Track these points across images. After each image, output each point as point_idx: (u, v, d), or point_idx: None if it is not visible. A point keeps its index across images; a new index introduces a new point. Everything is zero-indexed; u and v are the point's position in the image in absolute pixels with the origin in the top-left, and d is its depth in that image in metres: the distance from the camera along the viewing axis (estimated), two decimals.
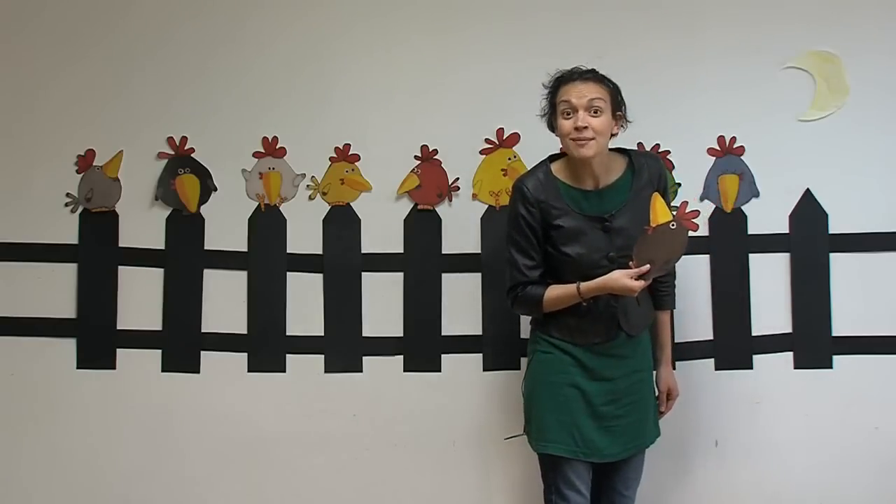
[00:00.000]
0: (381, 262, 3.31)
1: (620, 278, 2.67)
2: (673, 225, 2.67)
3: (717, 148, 3.19)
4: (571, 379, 2.80)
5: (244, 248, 3.35)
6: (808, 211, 3.17)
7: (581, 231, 2.75)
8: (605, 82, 2.76)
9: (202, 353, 3.35)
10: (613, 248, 2.75)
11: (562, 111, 2.74)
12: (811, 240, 3.17)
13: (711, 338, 3.21)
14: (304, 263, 3.33)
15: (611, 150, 2.81)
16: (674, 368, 3.18)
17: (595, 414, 2.80)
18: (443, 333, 3.30)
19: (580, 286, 2.73)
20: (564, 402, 2.80)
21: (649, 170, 2.82)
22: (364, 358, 3.32)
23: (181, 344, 3.35)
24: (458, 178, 3.30)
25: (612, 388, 2.82)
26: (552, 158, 2.85)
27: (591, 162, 2.74)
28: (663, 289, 2.94)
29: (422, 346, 3.30)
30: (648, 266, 2.65)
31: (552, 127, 2.83)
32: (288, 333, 3.33)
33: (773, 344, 3.19)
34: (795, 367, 3.19)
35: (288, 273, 3.34)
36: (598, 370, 2.81)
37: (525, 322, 3.23)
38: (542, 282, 2.81)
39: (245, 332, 3.34)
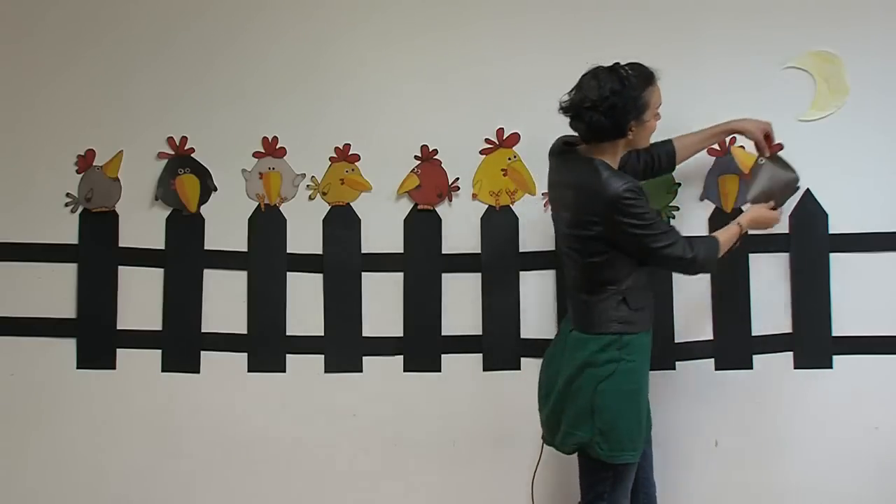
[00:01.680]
0: (381, 262, 3.31)
1: (765, 209, 2.93)
2: (761, 161, 3.04)
3: (717, 148, 3.19)
4: (646, 382, 2.82)
5: (244, 248, 3.35)
6: (808, 211, 3.17)
7: None
8: None
9: (202, 353, 3.35)
10: None
11: (656, 114, 2.76)
12: (811, 240, 3.17)
13: (711, 338, 3.21)
14: (304, 263, 3.33)
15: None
16: (673, 368, 3.19)
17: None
18: (443, 333, 3.30)
19: (742, 223, 2.87)
20: (644, 406, 2.81)
21: None
22: (364, 358, 3.32)
23: (181, 344, 3.35)
24: (458, 178, 3.30)
25: None
26: (575, 148, 2.81)
27: None
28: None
29: (422, 346, 3.30)
30: (773, 202, 2.97)
31: (627, 126, 2.70)
32: (288, 333, 3.34)
33: (773, 344, 3.19)
34: (795, 367, 3.18)
35: (288, 273, 3.34)
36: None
37: (526, 322, 3.26)
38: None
39: (245, 332, 3.34)
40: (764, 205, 2.96)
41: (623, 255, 2.72)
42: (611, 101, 2.65)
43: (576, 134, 2.79)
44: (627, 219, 2.66)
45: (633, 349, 2.75)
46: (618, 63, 2.71)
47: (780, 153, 3.08)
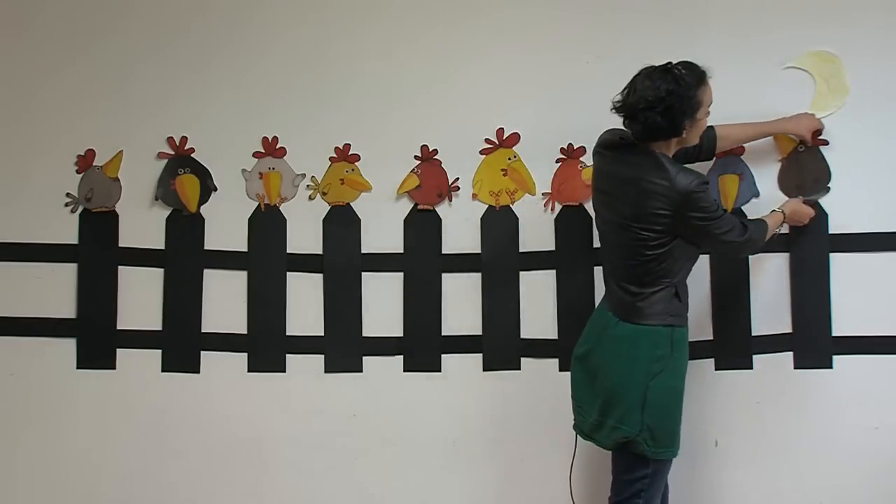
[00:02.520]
0: (381, 262, 3.31)
1: (802, 203, 3.01)
2: (801, 148, 3.10)
3: None
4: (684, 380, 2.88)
5: (244, 248, 3.35)
6: None
7: None
8: None
9: (202, 353, 3.35)
10: None
11: (707, 112, 2.78)
12: (811, 240, 3.17)
13: (711, 338, 3.21)
14: (304, 263, 3.33)
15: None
16: None
17: None
18: (443, 333, 3.30)
19: (786, 211, 2.98)
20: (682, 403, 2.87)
21: None
22: (364, 358, 3.32)
23: (181, 344, 3.35)
24: (458, 178, 3.30)
25: None
26: (634, 143, 2.79)
27: None
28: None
29: (422, 346, 3.30)
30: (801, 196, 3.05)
31: (683, 125, 2.72)
32: (288, 333, 3.33)
33: (773, 344, 3.18)
34: (795, 367, 3.18)
35: (288, 273, 3.34)
36: None
37: (526, 322, 3.25)
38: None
39: (245, 332, 3.34)
40: (799, 200, 3.05)
41: (680, 247, 2.77)
42: (667, 101, 2.67)
43: (623, 129, 2.79)
44: (697, 213, 2.73)
45: (680, 346, 2.82)
46: (670, 62, 2.72)
47: (822, 148, 3.14)
